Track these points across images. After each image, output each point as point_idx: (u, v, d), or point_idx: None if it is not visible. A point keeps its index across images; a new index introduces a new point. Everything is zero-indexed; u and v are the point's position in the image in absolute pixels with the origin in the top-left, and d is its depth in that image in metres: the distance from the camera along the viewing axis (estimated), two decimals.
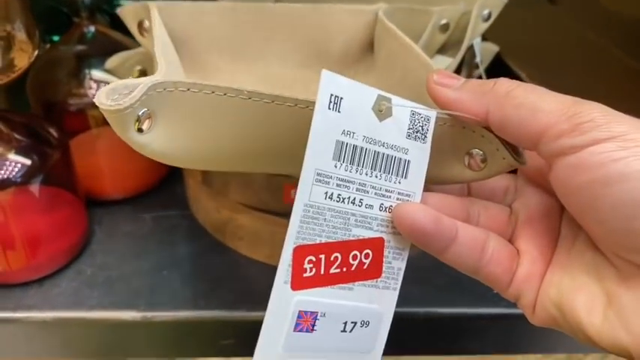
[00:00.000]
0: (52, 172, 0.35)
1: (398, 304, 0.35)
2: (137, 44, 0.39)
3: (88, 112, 0.39)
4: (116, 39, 0.40)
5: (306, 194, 0.21)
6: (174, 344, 0.36)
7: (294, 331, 0.21)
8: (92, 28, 0.39)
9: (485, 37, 0.45)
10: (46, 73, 0.40)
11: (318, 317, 0.22)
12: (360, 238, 0.22)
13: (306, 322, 0.22)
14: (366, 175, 0.22)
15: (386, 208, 0.22)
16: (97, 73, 0.39)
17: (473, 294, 0.36)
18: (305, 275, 0.21)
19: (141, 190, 0.43)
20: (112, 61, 0.35)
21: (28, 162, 0.34)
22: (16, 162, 0.34)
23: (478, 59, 0.42)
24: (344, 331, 0.22)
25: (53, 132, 0.36)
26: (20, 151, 0.34)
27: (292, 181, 0.35)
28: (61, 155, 0.36)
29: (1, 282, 0.36)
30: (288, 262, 0.22)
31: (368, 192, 0.22)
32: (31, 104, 0.41)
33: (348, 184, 0.21)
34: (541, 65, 0.43)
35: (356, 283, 0.22)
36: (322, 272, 0.22)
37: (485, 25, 0.40)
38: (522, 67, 0.41)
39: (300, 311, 0.21)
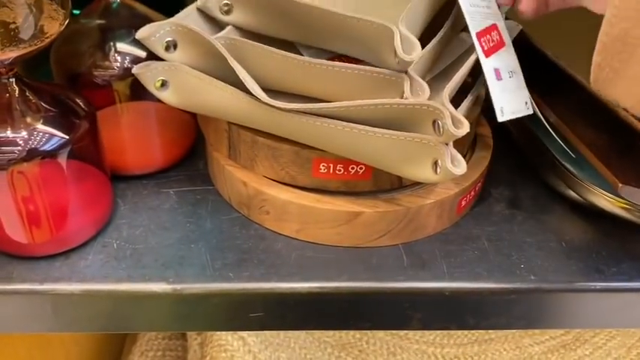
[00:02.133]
0: (80, 144, 0.35)
1: (424, 279, 0.35)
2: (162, 17, 0.38)
3: (113, 84, 0.39)
4: (141, 11, 0.40)
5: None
6: (203, 317, 0.36)
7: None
8: None
9: (507, 17, 0.45)
10: (69, 44, 0.39)
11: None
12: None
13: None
14: None
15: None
16: (122, 46, 0.39)
17: (500, 269, 0.36)
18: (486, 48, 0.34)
19: (164, 165, 0.43)
20: (143, 32, 0.35)
21: (56, 132, 0.34)
22: (45, 132, 0.34)
23: (506, 37, 0.42)
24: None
25: (80, 103, 0.36)
26: (48, 122, 0.34)
27: (321, 154, 0.35)
28: (89, 127, 0.35)
29: (27, 254, 0.36)
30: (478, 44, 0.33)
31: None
32: (55, 78, 0.41)
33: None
34: (565, 43, 0.43)
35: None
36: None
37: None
38: (546, 45, 0.41)
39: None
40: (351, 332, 0.67)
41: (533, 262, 0.37)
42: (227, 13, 0.37)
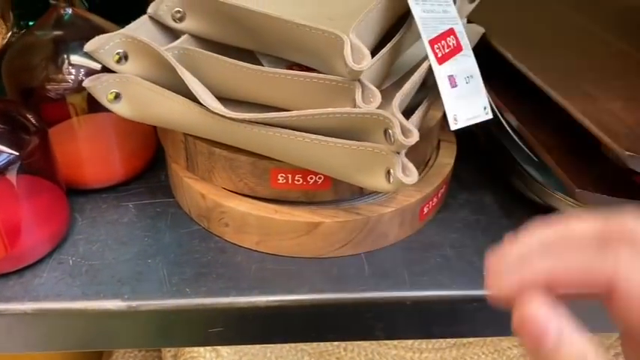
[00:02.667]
0: (31, 160, 0.34)
1: (386, 289, 0.35)
2: (116, 28, 0.38)
3: (68, 98, 0.38)
4: (95, 22, 0.39)
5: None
6: (161, 334, 0.35)
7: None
8: (69, 10, 0.38)
9: (470, 20, 0.45)
10: (21, 58, 0.39)
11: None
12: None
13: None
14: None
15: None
16: (76, 58, 0.38)
17: (463, 276, 0.36)
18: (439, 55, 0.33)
19: (124, 178, 0.42)
20: (92, 44, 0.34)
21: (5, 149, 0.33)
22: None
23: (465, 41, 0.42)
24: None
25: (31, 118, 0.35)
26: None
27: (279, 165, 0.35)
28: (40, 142, 0.35)
29: None
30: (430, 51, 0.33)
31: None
32: (7, 92, 0.40)
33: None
34: (527, 46, 0.43)
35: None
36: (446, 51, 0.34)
37: (470, 7, 0.39)
38: (508, 49, 0.41)
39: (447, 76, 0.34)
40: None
41: None
42: (180, 20, 0.37)
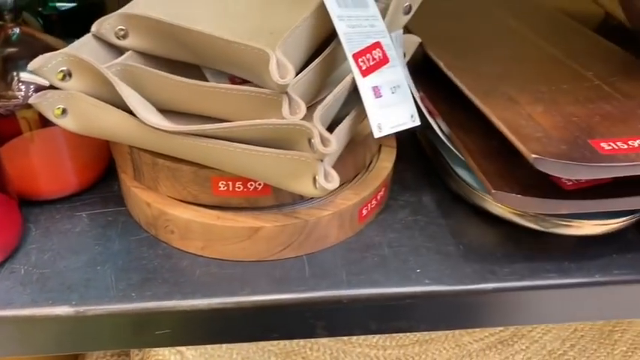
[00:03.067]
0: None
1: (323, 288, 0.37)
2: (65, 45, 0.39)
3: (18, 114, 0.40)
4: (44, 41, 0.41)
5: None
6: (109, 337, 0.37)
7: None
8: (17, 30, 0.39)
9: (410, 29, 0.47)
10: None
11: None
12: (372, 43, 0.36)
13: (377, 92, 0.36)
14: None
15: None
16: (25, 75, 0.40)
17: (396, 274, 0.38)
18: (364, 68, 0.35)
19: (78, 189, 0.44)
20: (35, 63, 0.36)
21: None
22: None
23: (401, 51, 0.44)
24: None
25: None
26: None
27: (220, 173, 0.37)
28: None
29: None
30: (354, 64, 0.35)
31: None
32: None
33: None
34: (462, 54, 0.45)
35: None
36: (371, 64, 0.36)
37: (406, 18, 0.41)
38: (441, 56, 0.43)
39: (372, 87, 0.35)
40: (295, 340, 0.68)
41: (430, 267, 0.38)
42: (123, 37, 0.38)
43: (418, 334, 0.69)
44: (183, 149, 0.35)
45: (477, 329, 0.70)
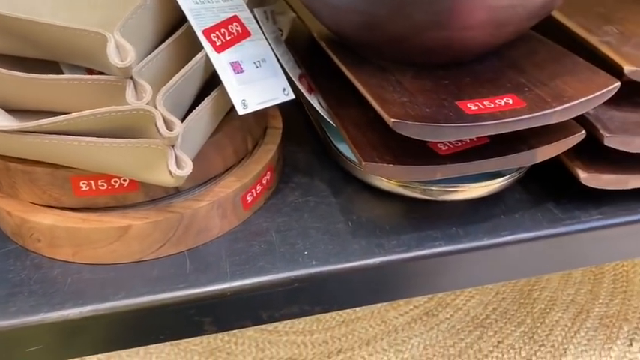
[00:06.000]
0: None
1: (205, 283, 0.35)
2: None
3: None
4: None
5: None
6: None
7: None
8: None
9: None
10: None
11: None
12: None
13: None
14: None
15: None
16: None
17: (283, 259, 0.36)
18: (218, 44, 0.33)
19: None
20: None
21: None
22: None
23: (275, 27, 0.42)
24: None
25: None
26: None
27: (78, 172, 0.34)
28: None
29: None
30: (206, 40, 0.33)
31: None
32: None
33: None
34: None
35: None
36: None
37: None
38: (315, 28, 0.41)
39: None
40: (219, 335, 0.67)
41: (318, 247, 0.37)
42: None
43: (344, 314, 0.69)
44: (31, 149, 0.32)
45: (402, 302, 0.70)
